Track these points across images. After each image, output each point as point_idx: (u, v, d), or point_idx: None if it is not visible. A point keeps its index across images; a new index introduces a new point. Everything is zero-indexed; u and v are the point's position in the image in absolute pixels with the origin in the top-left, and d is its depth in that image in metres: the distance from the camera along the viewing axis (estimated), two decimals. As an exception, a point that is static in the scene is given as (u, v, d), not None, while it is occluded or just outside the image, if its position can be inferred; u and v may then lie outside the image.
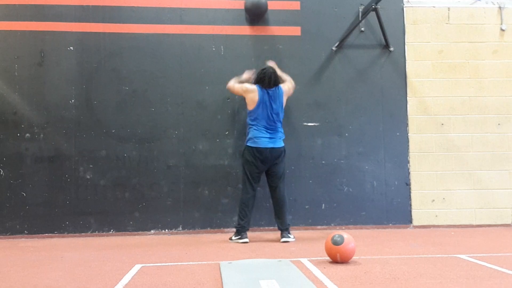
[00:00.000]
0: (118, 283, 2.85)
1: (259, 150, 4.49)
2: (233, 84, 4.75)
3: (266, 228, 5.09)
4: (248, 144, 4.54)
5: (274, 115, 4.56)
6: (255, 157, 4.50)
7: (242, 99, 5.18)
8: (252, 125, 4.56)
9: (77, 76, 5.13)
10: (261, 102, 4.54)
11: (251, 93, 4.57)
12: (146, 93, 5.17)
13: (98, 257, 3.77)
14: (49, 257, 3.83)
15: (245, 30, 5.30)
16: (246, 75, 4.87)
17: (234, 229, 4.61)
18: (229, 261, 3.37)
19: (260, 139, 4.50)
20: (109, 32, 5.17)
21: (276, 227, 4.64)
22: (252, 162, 4.51)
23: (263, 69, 4.61)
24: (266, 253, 3.82)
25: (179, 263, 3.44)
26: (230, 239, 4.55)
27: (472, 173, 5.34)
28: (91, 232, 5.02)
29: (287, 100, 5.32)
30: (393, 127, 5.34)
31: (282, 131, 4.65)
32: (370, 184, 5.27)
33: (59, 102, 5.09)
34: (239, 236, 4.47)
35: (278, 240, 4.49)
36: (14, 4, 5.10)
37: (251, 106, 4.57)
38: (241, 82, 4.78)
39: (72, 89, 5.11)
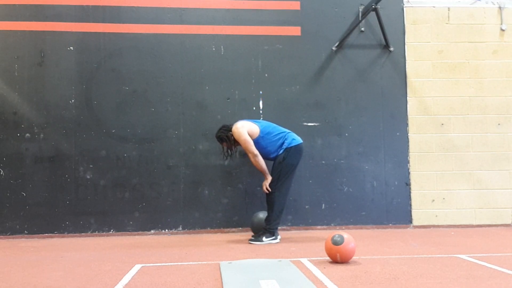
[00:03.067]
0: (118, 283, 2.85)
1: (301, 147, 4.54)
2: (251, 144, 4.47)
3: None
4: (292, 145, 4.47)
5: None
6: (300, 154, 4.53)
7: (242, 100, 5.19)
8: (278, 135, 4.53)
9: (77, 76, 5.13)
10: (264, 126, 4.58)
11: (251, 129, 4.51)
12: (146, 93, 5.17)
13: (98, 257, 3.77)
14: (49, 257, 3.83)
15: (245, 30, 5.30)
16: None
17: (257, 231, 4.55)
18: (229, 261, 3.37)
19: (297, 137, 4.57)
20: (109, 32, 5.17)
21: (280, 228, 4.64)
22: (297, 161, 4.51)
23: (223, 131, 4.65)
24: (266, 253, 3.82)
25: (179, 263, 3.44)
26: (259, 241, 4.35)
27: (472, 173, 5.34)
28: (91, 232, 5.02)
29: (287, 100, 5.33)
30: (393, 127, 5.34)
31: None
32: (370, 184, 5.27)
33: (59, 102, 5.09)
34: (274, 237, 4.42)
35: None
36: (14, 4, 5.10)
37: (255, 135, 4.50)
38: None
39: (72, 89, 5.11)
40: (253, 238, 4.43)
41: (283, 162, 4.43)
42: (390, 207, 5.27)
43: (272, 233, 4.40)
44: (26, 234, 4.96)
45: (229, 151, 4.71)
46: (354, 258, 3.45)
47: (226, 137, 4.60)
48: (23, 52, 5.10)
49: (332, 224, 5.21)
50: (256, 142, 4.47)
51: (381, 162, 5.30)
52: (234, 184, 5.16)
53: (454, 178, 5.33)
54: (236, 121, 5.14)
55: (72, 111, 5.09)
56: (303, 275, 2.92)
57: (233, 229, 5.11)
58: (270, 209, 4.45)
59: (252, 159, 4.47)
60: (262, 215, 4.63)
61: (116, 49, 5.18)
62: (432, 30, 5.45)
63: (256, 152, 4.44)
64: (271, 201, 4.43)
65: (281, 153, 4.45)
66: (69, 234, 4.99)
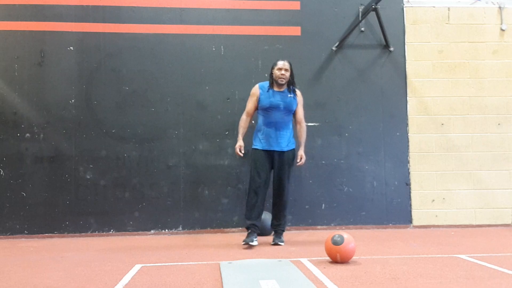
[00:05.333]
0: (118, 283, 2.85)
1: None
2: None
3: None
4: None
5: None
6: None
7: (242, 100, 5.18)
8: None
9: (77, 76, 5.13)
10: None
11: None
12: (146, 93, 5.17)
13: (98, 257, 3.77)
14: (49, 257, 3.83)
15: (245, 30, 5.30)
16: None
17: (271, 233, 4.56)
18: (229, 261, 3.37)
19: None
20: (109, 32, 5.17)
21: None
22: None
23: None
24: (266, 253, 3.82)
25: (179, 263, 3.44)
26: (283, 241, 4.29)
27: (472, 173, 5.34)
28: (91, 232, 5.02)
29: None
30: (393, 127, 5.34)
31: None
32: (370, 184, 5.27)
33: (59, 102, 5.09)
34: None
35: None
36: (14, 4, 5.10)
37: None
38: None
39: (72, 89, 5.11)
40: (277, 240, 4.30)
41: (294, 160, 4.37)
42: (390, 207, 5.27)
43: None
44: (26, 234, 4.96)
45: (274, 80, 4.34)
46: (354, 258, 3.45)
47: (292, 74, 4.39)
48: (23, 52, 5.10)
49: (332, 224, 5.21)
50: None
51: (381, 162, 5.30)
52: (234, 184, 5.16)
53: (454, 178, 5.33)
54: (236, 121, 5.16)
55: (72, 111, 5.09)
56: (303, 275, 2.92)
57: (233, 229, 5.12)
58: (284, 207, 4.34)
59: (304, 127, 4.42)
60: (263, 215, 4.62)
61: (116, 49, 5.18)
62: (432, 30, 5.45)
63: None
64: (287, 198, 4.34)
65: (292, 150, 4.36)
66: (69, 234, 4.99)
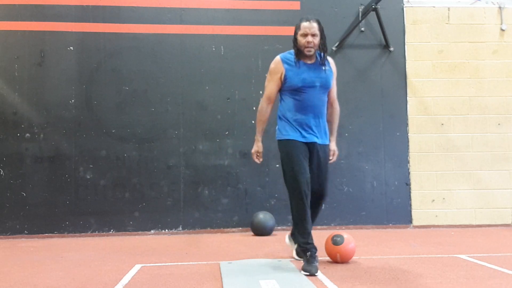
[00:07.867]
0: (118, 283, 2.85)
1: None
2: None
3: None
4: None
5: None
6: None
7: (242, 100, 5.18)
8: None
9: (77, 76, 5.13)
10: None
11: None
12: (146, 93, 5.17)
13: (98, 257, 3.77)
14: (49, 257, 3.83)
15: (245, 30, 5.30)
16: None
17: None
18: (229, 261, 3.38)
19: None
20: (109, 32, 5.17)
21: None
22: None
23: None
24: (266, 253, 3.82)
25: (179, 263, 3.44)
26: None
27: (472, 173, 5.34)
28: (91, 232, 5.02)
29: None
30: (393, 127, 5.34)
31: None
32: (370, 184, 5.27)
33: (59, 102, 5.09)
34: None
35: (278, 240, 4.49)
36: (14, 4, 5.10)
37: None
38: None
39: (72, 89, 5.11)
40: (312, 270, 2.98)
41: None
42: (390, 207, 5.27)
43: None
44: (26, 234, 4.96)
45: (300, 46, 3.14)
46: (354, 258, 3.45)
47: (324, 37, 3.18)
48: (23, 52, 5.09)
49: (332, 224, 5.21)
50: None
51: (381, 162, 5.30)
52: (234, 184, 5.16)
53: (454, 178, 5.33)
54: (237, 120, 5.17)
55: (72, 111, 5.09)
56: (303, 275, 2.92)
57: (233, 229, 5.11)
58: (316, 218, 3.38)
59: (338, 109, 3.42)
60: (262, 215, 4.62)
61: (116, 49, 5.18)
62: (432, 30, 5.45)
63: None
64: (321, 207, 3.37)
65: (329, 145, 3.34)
66: (69, 234, 4.99)
